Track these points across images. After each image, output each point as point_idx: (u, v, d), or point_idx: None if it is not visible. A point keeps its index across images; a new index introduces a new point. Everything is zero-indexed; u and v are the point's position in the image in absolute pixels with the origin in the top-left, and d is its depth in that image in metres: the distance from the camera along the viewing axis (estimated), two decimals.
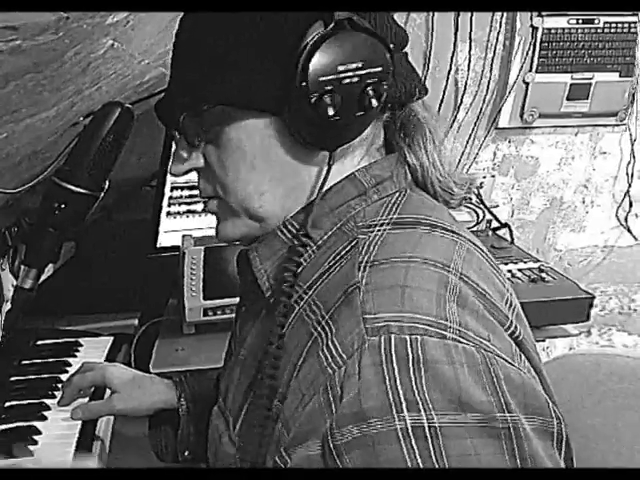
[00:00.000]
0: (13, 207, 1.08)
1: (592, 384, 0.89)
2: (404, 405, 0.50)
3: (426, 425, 0.50)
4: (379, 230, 0.64)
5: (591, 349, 1.08)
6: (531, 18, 1.86)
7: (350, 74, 0.61)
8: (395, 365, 0.52)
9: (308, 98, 0.61)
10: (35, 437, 0.98)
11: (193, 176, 0.75)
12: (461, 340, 0.54)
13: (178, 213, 1.57)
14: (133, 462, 1.09)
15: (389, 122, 0.71)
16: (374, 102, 0.62)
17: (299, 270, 0.66)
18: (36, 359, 1.26)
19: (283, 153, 0.67)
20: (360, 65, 0.61)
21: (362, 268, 0.60)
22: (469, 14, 1.84)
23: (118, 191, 1.64)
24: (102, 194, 0.85)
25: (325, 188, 0.67)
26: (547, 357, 2.09)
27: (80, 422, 1.00)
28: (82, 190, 0.82)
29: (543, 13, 1.85)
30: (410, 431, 0.49)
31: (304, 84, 0.60)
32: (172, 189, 1.55)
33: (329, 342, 0.56)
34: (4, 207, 1.06)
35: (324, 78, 0.61)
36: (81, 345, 1.33)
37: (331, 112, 0.61)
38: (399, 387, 0.51)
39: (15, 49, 0.58)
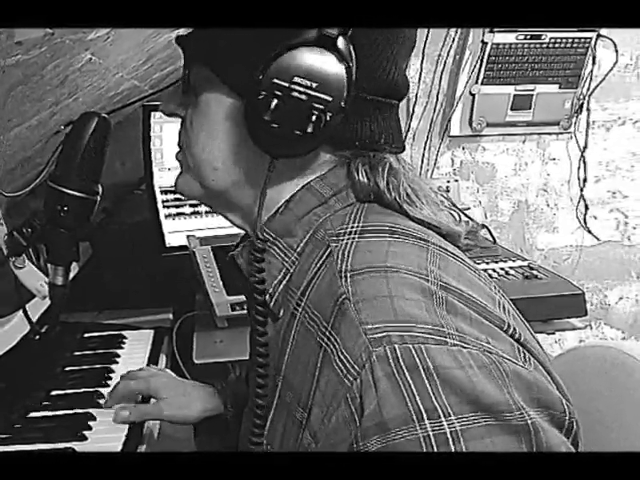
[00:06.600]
0: (16, 210, 1.13)
1: (607, 374, 0.90)
2: (424, 414, 0.51)
3: (447, 430, 0.50)
4: (349, 239, 0.64)
5: (603, 342, 1.09)
6: (483, 34, 1.95)
7: (301, 89, 0.61)
8: (407, 375, 0.52)
9: (257, 94, 0.62)
10: (90, 423, 1.04)
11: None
12: (464, 345, 0.54)
13: (176, 215, 1.62)
14: None
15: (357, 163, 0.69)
16: (309, 128, 0.61)
17: (289, 276, 0.67)
18: (86, 351, 1.34)
19: (239, 138, 0.67)
20: (313, 86, 0.61)
21: (343, 277, 0.60)
22: (425, 31, 1.92)
23: (111, 195, 1.70)
24: (99, 197, 0.87)
25: (287, 198, 0.69)
26: (560, 349, 2.17)
27: None
28: (78, 193, 0.84)
29: (495, 29, 1.93)
30: (432, 439, 0.50)
31: (260, 78, 0.61)
32: (161, 192, 1.60)
33: (339, 353, 0.56)
34: (10, 210, 1.11)
35: (277, 81, 0.61)
36: (125, 338, 1.40)
37: (269, 116, 0.61)
38: (416, 396, 0.51)
39: (17, 62, 0.65)
